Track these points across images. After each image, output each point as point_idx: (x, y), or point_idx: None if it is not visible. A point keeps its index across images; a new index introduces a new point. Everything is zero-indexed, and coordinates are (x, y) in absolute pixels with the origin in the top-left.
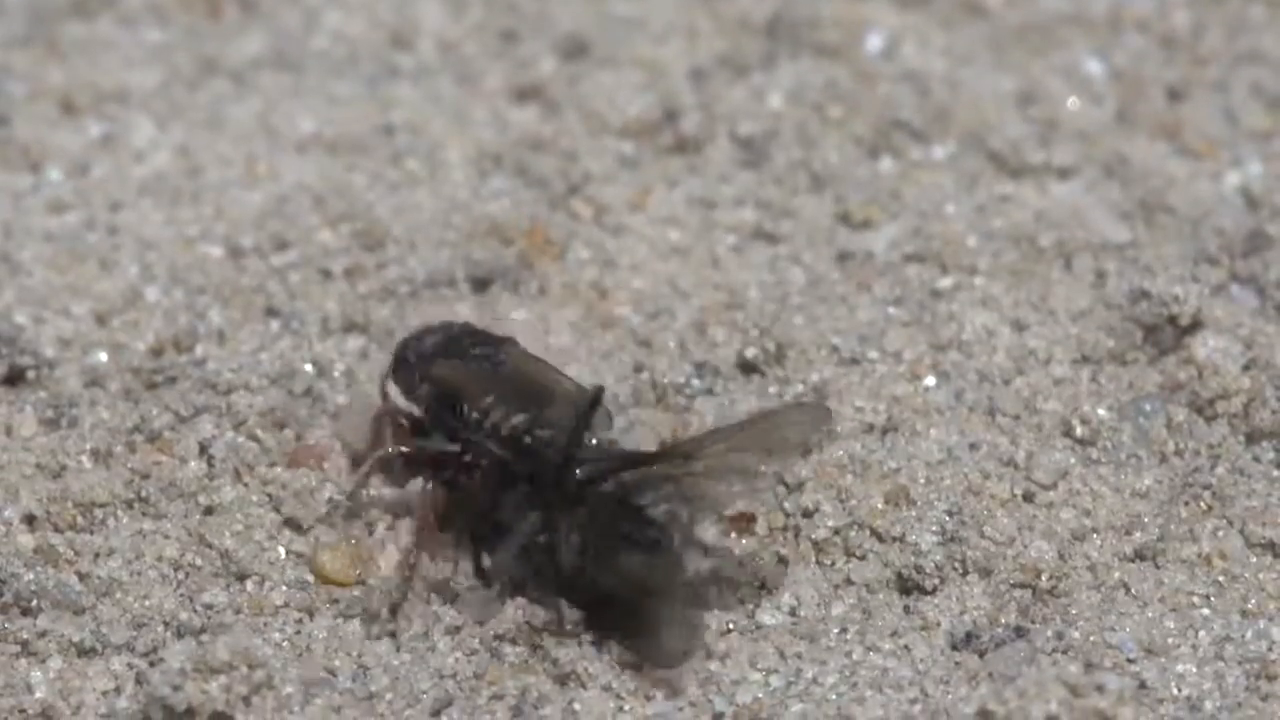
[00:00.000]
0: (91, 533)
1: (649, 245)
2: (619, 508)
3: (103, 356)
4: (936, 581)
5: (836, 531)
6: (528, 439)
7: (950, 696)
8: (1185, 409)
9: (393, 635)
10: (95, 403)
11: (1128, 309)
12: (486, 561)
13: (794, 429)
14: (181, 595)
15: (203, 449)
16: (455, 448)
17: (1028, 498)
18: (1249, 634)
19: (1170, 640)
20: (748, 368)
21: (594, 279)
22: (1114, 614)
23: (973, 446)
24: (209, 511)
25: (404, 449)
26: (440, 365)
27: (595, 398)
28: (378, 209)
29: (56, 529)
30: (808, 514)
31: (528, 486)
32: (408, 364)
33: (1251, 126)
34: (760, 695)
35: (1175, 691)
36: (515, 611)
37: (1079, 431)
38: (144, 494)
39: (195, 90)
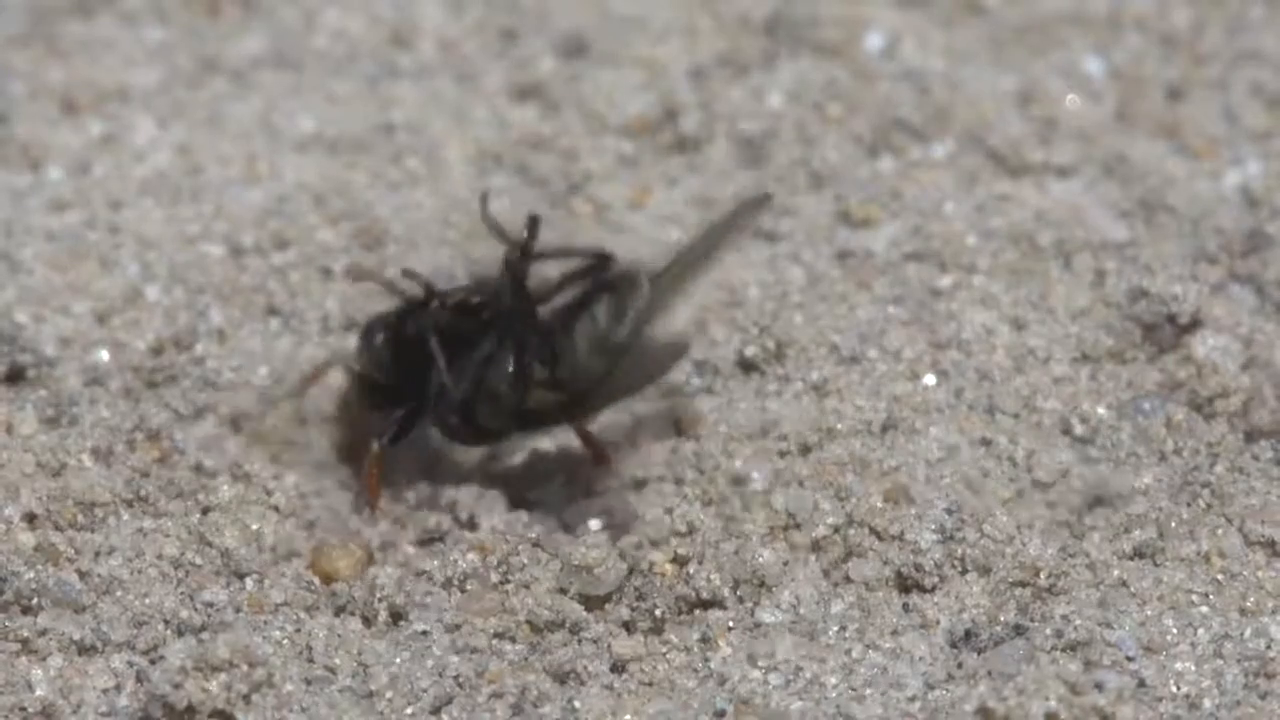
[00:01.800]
0: (92, 531)
1: (649, 244)
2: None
3: (103, 355)
4: (936, 580)
5: (836, 530)
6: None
7: (949, 694)
8: (1184, 407)
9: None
10: (95, 401)
11: (1127, 308)
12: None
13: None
14: (182, 593)
15: (203, 447)
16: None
17: (1027, 496)
18: (1248, 632)
19: (1169, 638)
20: (747, 366)
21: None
22: (1113, 612)
23: (972, 445)
24: (209, 510)
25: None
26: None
27: (532, 222)
28: (378, 208)
29: (57, 527)
30: (807, 512)
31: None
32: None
33: (1251, 126)
34: (760, 693)
35: (1174, 689)
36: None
37: (1078, 430)
38: (144, 492)
39: (196, 89)
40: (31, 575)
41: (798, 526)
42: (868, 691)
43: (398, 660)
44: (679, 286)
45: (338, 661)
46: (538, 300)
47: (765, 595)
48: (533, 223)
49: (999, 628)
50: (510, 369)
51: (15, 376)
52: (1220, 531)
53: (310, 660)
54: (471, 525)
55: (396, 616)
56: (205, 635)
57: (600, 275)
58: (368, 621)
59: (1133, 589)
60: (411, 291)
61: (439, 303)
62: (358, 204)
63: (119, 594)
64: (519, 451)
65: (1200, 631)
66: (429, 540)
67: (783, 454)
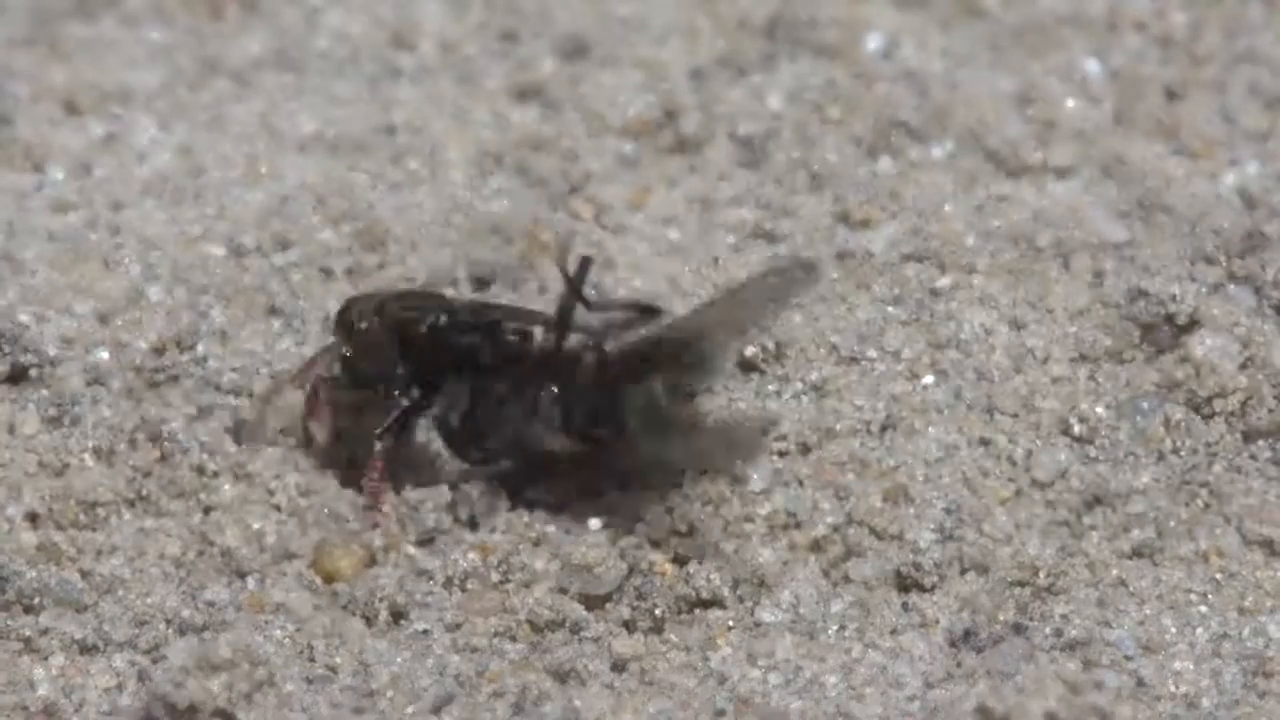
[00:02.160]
0: (94, 530)
1: (649, 244)
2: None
3: (105, 355)
4: (935, 579)
5: (835, 529)
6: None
7: (949, 693)
8: (1183, 407)
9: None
10: (98, 401)
11: (1125, 308)
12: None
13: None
14: (183, 593)
15: (204, 447)
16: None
17: (1025, 495)
18: (1246, 631)
19: (1168, 637)
20: (747, 366)
21: (594, 278)
22: (1112, 611)
23: (971, 444)
24: (210, 509)
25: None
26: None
27: (582, 265)
28: (379, 208)
29: (59, 527)
30: (807, 511)
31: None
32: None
33: (1249, 126)
34: (760, 692)
35: (1173, 688)
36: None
37: (1077, 430)
38: (145, 492)
39: (197, 90)
40: (34, 574)
41: (797, 526)
42: (867, 690)
43: (399, 660)
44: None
45: (339, 661)
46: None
47: (765, 595)
48: (584, 263)
49: (998, 627)
50: (558, 422)
51: (18, 376)
52: (1218, 531)
53: (311, 660)
54: (472, 525)
55: (397, 616)
56: (207, 634)
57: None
58: (369, 621)
59: (1131, 588)
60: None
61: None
62: (359, 204)
63: (121, 593)
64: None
65: (1199, 631)
66: (430, 540)
67: (782, 454)
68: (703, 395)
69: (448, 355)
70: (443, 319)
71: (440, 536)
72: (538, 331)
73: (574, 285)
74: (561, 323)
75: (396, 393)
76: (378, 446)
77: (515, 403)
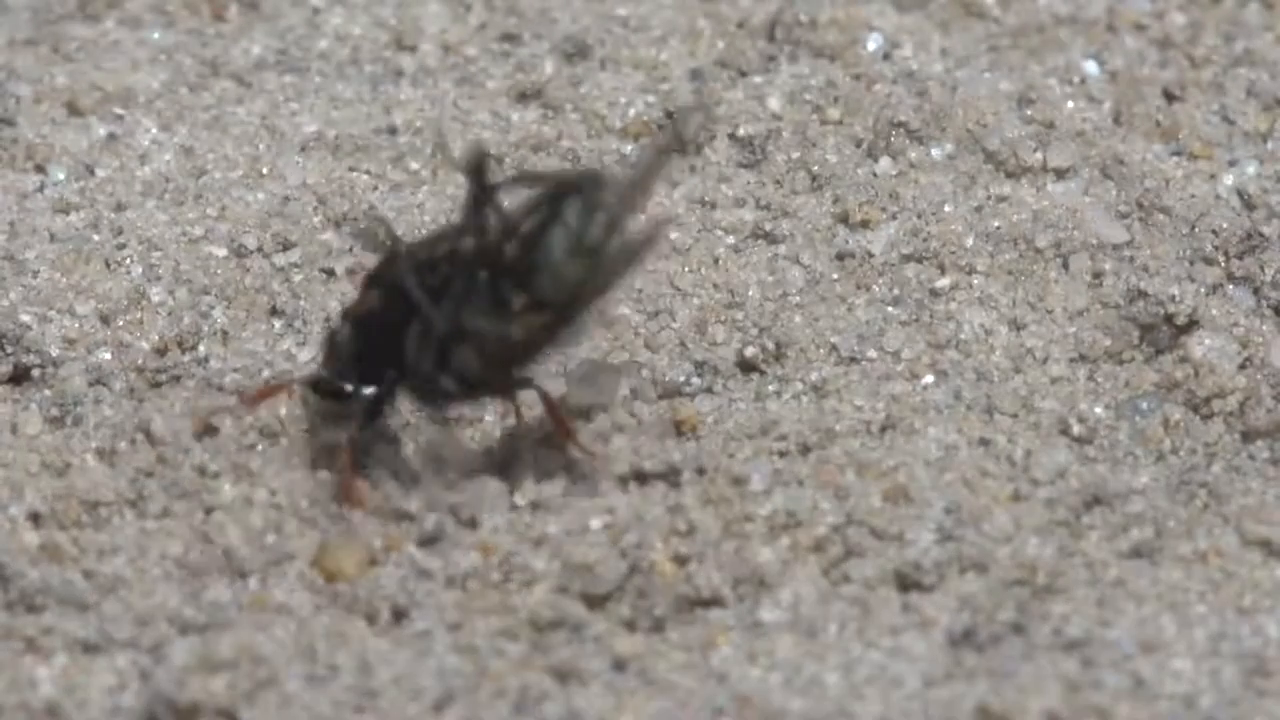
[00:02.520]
0: (96, 530)
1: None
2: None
3: (107, 355)
4: (935, 579)
5: (835, 529)
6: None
7: (949, 693)
8: (1182, 408)
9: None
10: (100, 401)
11: (1125, 308)
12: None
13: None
14: (185, 593)
15: (206, 447)
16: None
17: (1025, 496)
18: (1245, 631)
19: (1167, 637)
20: (747, 366)
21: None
22: (1111, 611)
23: (971, 445)
24: (212, 509)
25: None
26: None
27: (479, 160)
28: (380, 210)
29: (61, 526)
30: (807, 511)
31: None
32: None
33: (1247, 127)
34: (760, 691)
35: (1172, 687)
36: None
37: (1076, 430)
38: (147, 492)
39: (199, 91)
40: (36, 574)
41: (798, 526)
42: (867, 690)
43: (400, 659)
44: (644, 189)
45: (340, 660)
46: (511, 229)
47: (765, 594)
48: (480, 158)
49: (998, 626)
50: (488, 298)
51: (20, 377)
52: (1217, 531)
53: (313, 659)
54: (472, 525)
55: (399, 615)
56: (209, 634)
57: (562, 179)
58: (370, 620)
59: (1130, 588)
60: (380, 244)
61: (408, 256)
62: (360, 205)
63: (123, 593)
64: (520, 451)
65: (1198, 630)
66: (431, 540)
67: (782, 454)
68: (700, 394)
69: (379, 338)
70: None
71: (441, 539)
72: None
73: (479, 183)
74: (477, 207)
75: (351, 389)
76: (346, 441)
77: (464, 309)
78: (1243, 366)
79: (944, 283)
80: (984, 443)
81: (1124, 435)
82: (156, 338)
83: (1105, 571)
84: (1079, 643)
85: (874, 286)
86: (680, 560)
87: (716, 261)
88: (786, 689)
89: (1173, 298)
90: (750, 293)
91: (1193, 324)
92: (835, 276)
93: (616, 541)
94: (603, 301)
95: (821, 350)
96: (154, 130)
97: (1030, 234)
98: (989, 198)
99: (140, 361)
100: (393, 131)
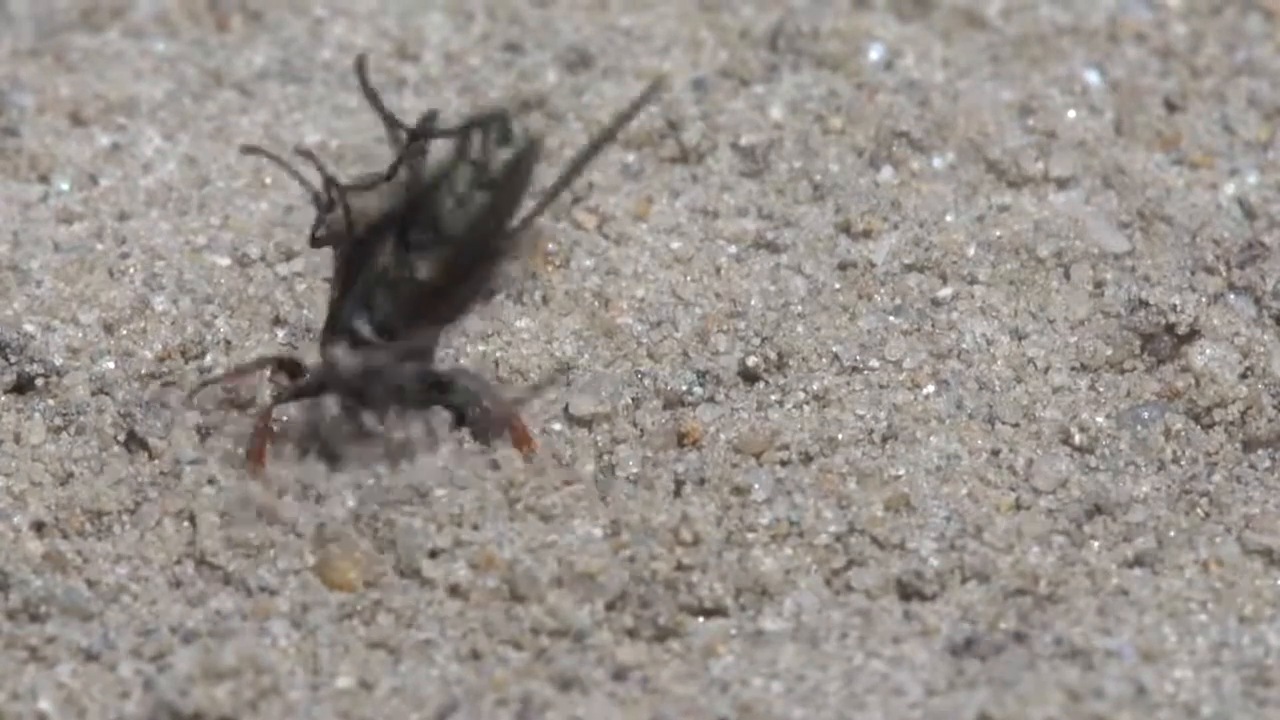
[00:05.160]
0: (99, 539)
1: (651, 254)
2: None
3: (110, 365)
4: (936, 588)
5: (838, 538)
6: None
7: (950, 701)
8: (1183, 417)
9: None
10: (103, 410)
11: (1126, 318)
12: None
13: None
14: (188, 601)
15: (209, 456)
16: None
17: (1026, 505)
18: (1245, 639)
19: (1168, 646)
20: (749, 375)
21: (597, 288)
22: (1112, 620)
23: (972, 454)
24: (216, 518)
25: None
26: None
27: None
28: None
29: (65, 535)
30: (809, 521)
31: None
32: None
33: (1248, 137)
34: (762, 700)
35: (1173, 696)
36: None
37: (1077, 439)
38: (151, 501)
39: (202, 101)
40: (40, 583)
41: (799, 535)
42: (869, 698)
43: (402, 668)
44: (578, 165)
45: (343, 669)
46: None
47: (767, 603)
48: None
49: (999, 635)
50: (398, 240)
51: (24, 386)
52: (1218, 540)
53: (316, 668)
54: (475, 531)
55: (401, 624)
56: (212, 643)
57: (472, 117)
58: (373, 629)
59: (1132, 597)
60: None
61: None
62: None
63: (126, 602)
64: (522, 460)
65: (1199, 639)
66: (433, 548)
67: (784, 463)
68: (703, 403)
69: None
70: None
71: (443, 546)
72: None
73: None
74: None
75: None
76: (266, 407)
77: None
78: (1244, 376)
79: (946, 292)
80: (985, 452)
81: (1125, 444)
82: (160, 347)
83: (1106, 580)
84: (1080, 651)
85: (876, 296)
86: (683, 568)
87: (719, 271)
88: (788, 698)
89: (1174, 307)
90: (752, 302)
91: (1194, 333)
92: (837, 286)
93: (619, 551)
94: (509, 237)
95: (823, 359)
96: (157, 140)
97: (1032, 243)
98: (990, 207)
99: (144, 370)
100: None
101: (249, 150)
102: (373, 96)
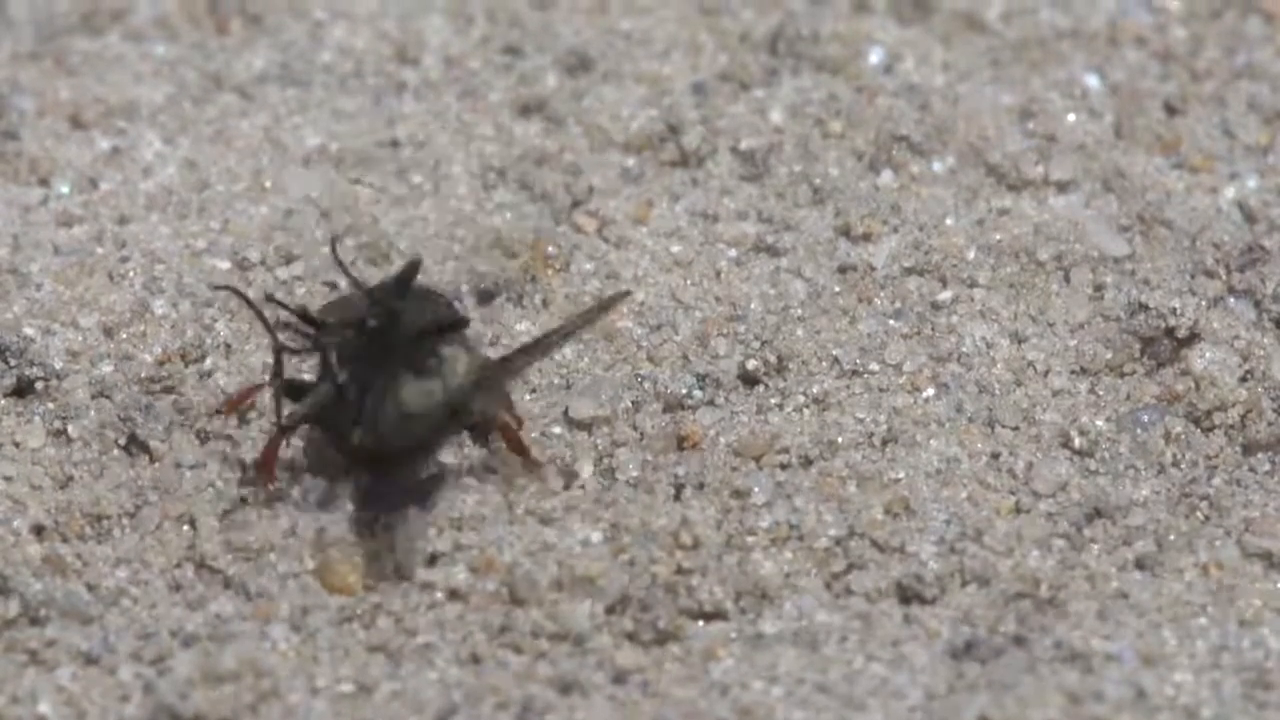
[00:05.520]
0: (99, 543)
1: (651, 258)
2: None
3: (110, 368)
4: (936, 591)
5: (837, 541)
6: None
7: (950, 705)
8: (1183, 420)
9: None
10: (103, 413)
11: (1126, 321)
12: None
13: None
14: (188, 605)
15: (210, 459)
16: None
17: (1026, 508)
18: (1246, 643)
19: (1168, 649)
20: (749, 379)
21: (597, 291)
22: (1112, 623)
23: (972, 457)
24: (216, 521)
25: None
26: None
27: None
28: (383, 222)
29: (64, 539)
30: (809, 524)
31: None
32: None
33: (1248, 141)
34: (762, 703)
35: (1173, 700)
36: None
37: (1077, 442)
38: (151, 504)
39: (202, 105)
40: (39, 587)
41: (800, 538)
42: (869, 702)
43: (402, 671)
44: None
45: (343, 672)
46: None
47: (767, 607)
48: (412, 267)
49: (999, 639)
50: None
51: (23, 390)
52: (1218, 544)
53: (316, 671)
54: (475, 535)
55: (401, 628)
56: (212, 646)
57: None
58: (373, 632)
59: (1132, 601)
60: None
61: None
62: (363, 219)
63: (126, 605)
64: (522, 463)
65: (1199, 643)
66: (434, 553)
67: (784, 466)
68: (703, 406)
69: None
70: None
71: (445, 550)
72: None
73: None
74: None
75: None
76: (279, 425)
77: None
78: (1244, 379)
79: (945, 296)
80: (985, 455)
81: (1125, 448)
82: (159, 350)
83: (1106, 584)
84: (1080, 655)
85: (876, 299)
86: (683, 572)
87: (719, 274)
88: (788, 701)
89: (1174, 311)
90: (752, 305)
91: (1194, 337)
92: (837, 289)
93: (619, 554)
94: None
95: (823, 363)
96: (157, 143)
97: (1031, 247)
98: (990, 211)
99: (144, 374)
100: (395, 145)
101: (221, 288)
102: (343, 267)
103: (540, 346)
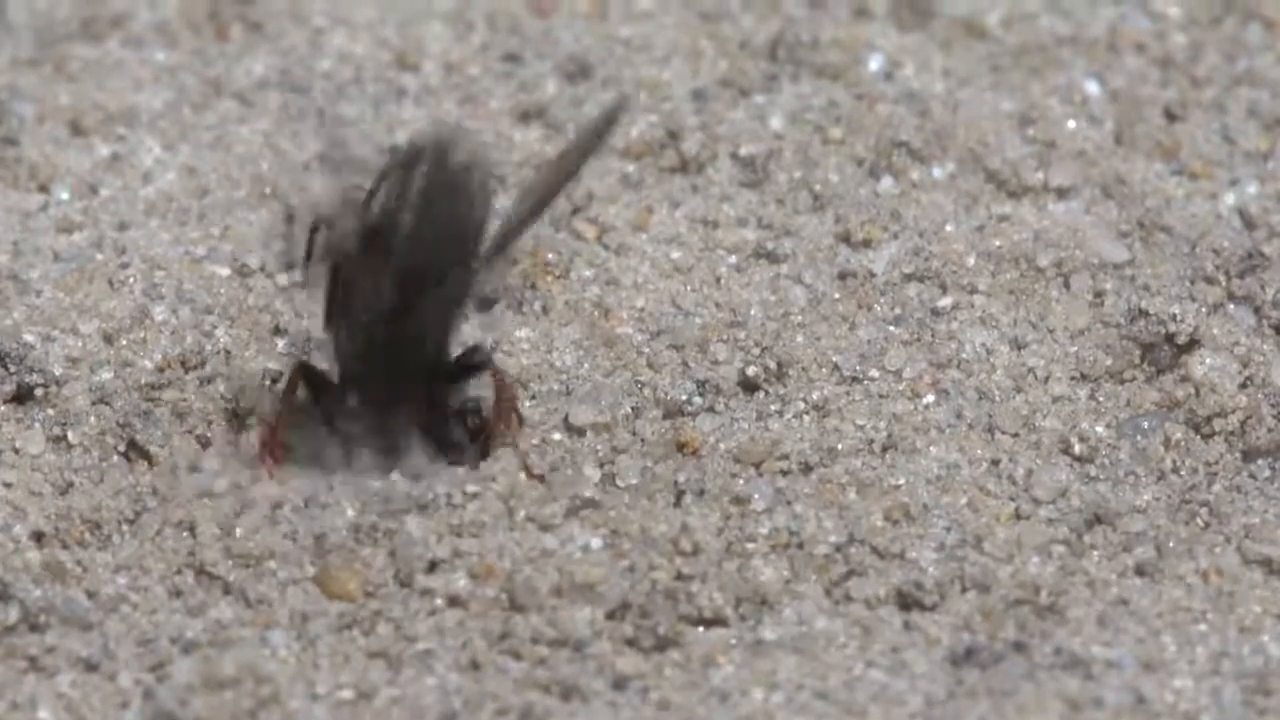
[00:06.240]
0: (99, 549)
1: (651, 264)
2: None
3: (109, 375)
4: (936, 598)
5: (837, 548)
6: None
7: (951, 711)
8: (1183, 426)
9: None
10: (103, 420)
11: (1126, 327)
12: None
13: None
14: (188, 611)
15: (210, 465)
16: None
17: (1026, 515)
18: (1246, 649)
19: (1168, 656)
20: (749, 385)
21: (597, 298)
22: (1112, 630)
23: (972, 464)
24: (216, 528)
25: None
26: None
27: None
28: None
29: (64, 545)
30: (809, 530)
31: None
32: None
33: (1248, 147)
34: (762, 710)
35: (1173, 706)
36: None
37: (1077, 449)
38: (150, 510)
39: (202, 111)
40: (39, 593)
41: (799, 545)
42: (870, 708)
43: (402, 677)
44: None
45: (343, 679)
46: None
47: (767, 613)
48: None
49: (999, 645)
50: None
51: (23, 396)
52: (1218, 550)
53: (316, 677)
54: (475, 541)
55: (401, 634)
56: (212, 652)
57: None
58: (372, 638)
59: (1132, 607)
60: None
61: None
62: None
63: (126, 612)
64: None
65: (1199, 649)
66: (434, 559)
67: (784, 473)
68: (703, 413)
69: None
70: None
71: (442, 557)
72: None
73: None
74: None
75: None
76: (278, 407)
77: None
78: (1243, 386)
79: (945, 302)
80: (985, 462)
81: (1125, 454)
82: (159, 357)
83: (1106, 590)
84: (1080, 661)
85: (876, 306)
86: (683, 578)
87: (719, 280)
88: (788, 708)
89: (1174, 317)
90: (752, 312)
91: (1194, 343)
92: (837, 296)
93: (618, 560)
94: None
95: (823, 369)
96: (157, 150)
97: (1031, 253)
98: (990, 217)
99: (143, 380)
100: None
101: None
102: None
103: (557, 173)
